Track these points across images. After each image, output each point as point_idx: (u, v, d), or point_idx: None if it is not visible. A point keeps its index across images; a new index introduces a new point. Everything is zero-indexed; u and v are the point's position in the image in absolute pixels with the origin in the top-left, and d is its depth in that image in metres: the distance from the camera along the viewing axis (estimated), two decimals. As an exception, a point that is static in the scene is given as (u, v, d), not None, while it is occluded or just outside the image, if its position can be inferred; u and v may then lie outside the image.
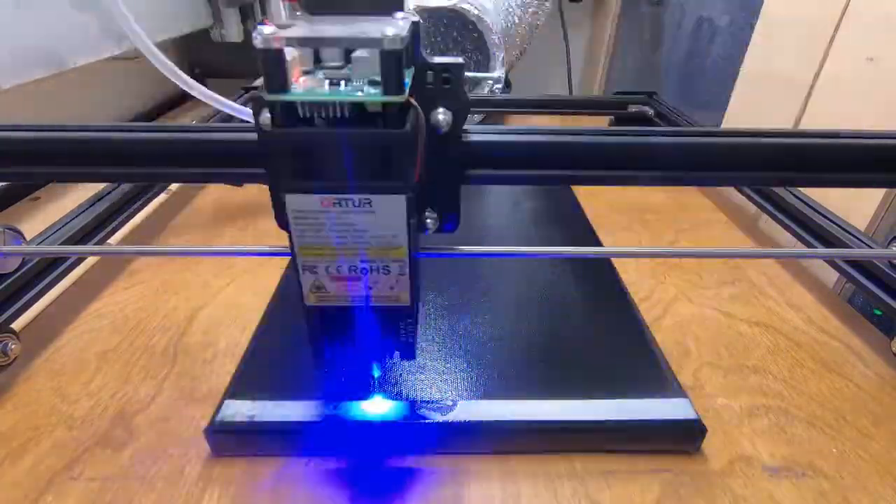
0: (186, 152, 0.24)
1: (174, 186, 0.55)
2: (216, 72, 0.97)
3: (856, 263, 0.37)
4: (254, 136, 0.23)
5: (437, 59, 0.20)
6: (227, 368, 0.32)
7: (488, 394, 0.29)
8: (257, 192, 0.54)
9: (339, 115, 0.17)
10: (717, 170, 0.24)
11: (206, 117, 0.56)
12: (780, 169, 0.24)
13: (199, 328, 0.36)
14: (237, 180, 0.42)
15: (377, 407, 0.28)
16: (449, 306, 0.35)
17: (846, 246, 0.38)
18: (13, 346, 0.31)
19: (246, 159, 0.24)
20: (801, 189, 0.45)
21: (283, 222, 0.22)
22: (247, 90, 0.64)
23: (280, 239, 0.51)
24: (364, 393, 0.28)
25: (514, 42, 0.78)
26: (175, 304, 0.39)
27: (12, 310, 0.31)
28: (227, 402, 0.28)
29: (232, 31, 0.82)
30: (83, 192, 0.42)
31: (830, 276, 0.44)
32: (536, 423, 0.27)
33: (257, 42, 0.16)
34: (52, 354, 0.34)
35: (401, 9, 0.19)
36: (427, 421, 0.27)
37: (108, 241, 0.40)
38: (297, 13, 0.19)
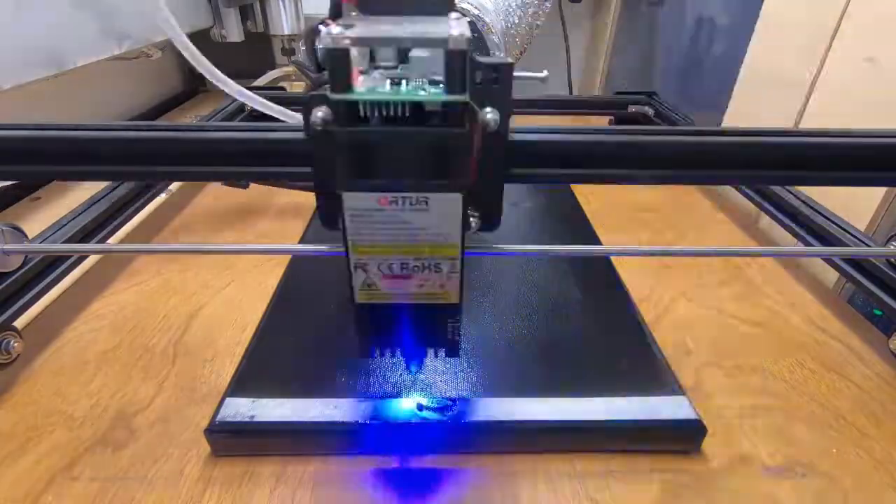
0: (186, 151, 0.24)
1: (174, 186, 0.55)
2: (216, 72, 0.97)
3: (855, 263, 0.37)
4: (253, 135, 0.23)
5: (485, 59, 0.20)
6: (227, 368, 0.32)
7: (488, 394, 0.29)
8: (257, 193, 0.54)
9: (395, 114, 0.18)
10: (717, 169, 0.24)
11: (206, 116, 0.56)
12: (780, 169, 0.24)
13: (199, 328, 0.36)
14: (240, 180, 0.42)
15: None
16: (449, 306, 0.35)
17: (846, 245, 0.38)
18: (15, 344, 0.31)
19: (246, 158, 0.24)
20: (801, 189, 0.45)
21: (331, 221, 0.22)
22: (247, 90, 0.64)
23: (280, 239, 0.51)
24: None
25: (514, 42, 0.77)
26: (175, 304, 0.39)
27: (14, 308, 0.31)
28: (227, 401, 0.28)
29: (232, 31, 0.82)
30: (83, 192, 0.42)
31: (830, 276, 0.44)
32: (536, 423, 0.27)
33: (325, 42, 0.16)
34: (53, 354, 0.34)
35: (453, 10, 0.19)
36: (427, 421, 0.27)
37: (109, 240, 0.40)
38: (353, 13, 0.19)
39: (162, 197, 0.51)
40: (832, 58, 0.47)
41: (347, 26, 0.17)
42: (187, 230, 0.50)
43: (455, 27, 0.17)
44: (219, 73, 0.31)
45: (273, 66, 0.84)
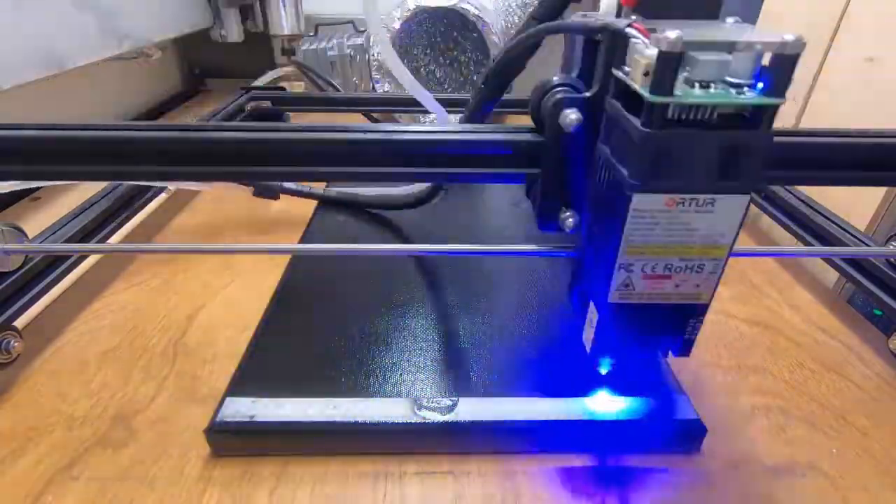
0: (187, 151, 0.24)
1: (174, 186, 0.55)
2: (216, 72, 0.97)
3: (855, 263, 0.37)
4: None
5: None
6: (227, 368, 0.32)
7: (488, 393, 0.29)
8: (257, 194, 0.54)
9: (697, 117, 0.18)
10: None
11: (207, 116, 0.56)
12: (780, 169, 0.24)
13: (199, 328, 0.36)
14: (250, 183, 0.42)
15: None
16: (449, 306, 0.35)
17: (846, 245, 0.38)
18: (16, 344, 0.31)
19: (254, 158, 0.24)
20: (801, 189, 0.45)
21: (549, 225, 0.23)
22: (246, 90, 0.64)
23: (281, 239, 0.51)
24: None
25: (514, 42, 0.77)
26: (175, 304, 0.39)
27: (14, 308, 0.31)
28: (227, 401, 0.28)
29: (232, 31, 0.83)
30: (83, 193, 0.42)
31: (830, 276, 0.44)
32: (536, 422, 0.27)
33: (662, 46, 0.16)
34: (53, 354, 0.34)
35: (719, 11, 0.20)
36: (427, 421, 0.27)
37: (109, 240, 0.40)
38: (633, 17, 0.19)
39: (162, 197, 0.51)
40: (832, 58, 0.47)
41: (674, 30, 0.17)
42: (187, 230, 0.50)
43: (787, 34, 0.17)
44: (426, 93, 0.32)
45: (273, 66, 0.84)
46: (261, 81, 0.77)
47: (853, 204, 0.43)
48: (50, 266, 0.35)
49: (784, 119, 0.52)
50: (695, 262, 0.20)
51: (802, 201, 0.44)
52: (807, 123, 0.50)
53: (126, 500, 0.25)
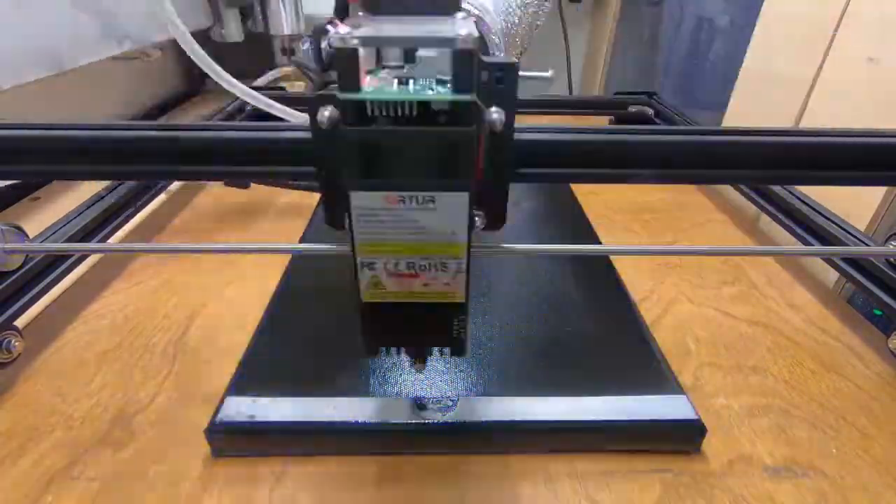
0: (186, 151, 0.24)
1: (174, 186, 0.55)
2: (216, 72, 0.97)
3: (855, 263, 0.37)
4: (255, 134, 0.23)
5: (490, 59, 0.20)
6: (227, 368, 0.32)
7: (488, 393, 0.29)
8: (258, 193, 0.54)
9: (403, 113, 0.17)
10: (717, 169, 0.24)
11: (208, 116, 0.56)
12: (780, 169, 0.24)
13: (199, 328, 0.36)
14: (241, 180, 0.42)
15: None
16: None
17: (846, 245, 0.38)
18: (16, 343, 0.31)
19: (247, 157, 0.24)
20: (801, 189, 0.45)
21: (338, 221, 0.22)
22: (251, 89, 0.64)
23: (280, 238, 0.51)
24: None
25: (514, 42, 0.77)
26: (175, 303, 0.39)
27: (15, 307, 0.31)
28: (227, 401, 0.28)
29: (232, 31, 0.82)
30: (83, 193, 0.42)
31: (830, 276, 0.44)
32: (536, 422, 0.27)
33: (334, 42, 0.16)
34: (53, 354, 0.34)
35: (459, 9, 0.19)
36: (427, 421, 0.27)
37: (109, 240, 0.40)
38: (360, 13, 0.19)
39: (162, 197, 0.51)
40: (832, 58, 0.47)
41: (356, 26, 0.17)
42: (187, 230, 0.50)
43: (462, 27, 0.17)
44: (223, 72, 0.31)
45: (273, 66, 0.84)
46: (261, 81, 0.77)
47: (853, 204, 0.43)
48: (50, 266, 0.35)
49: (784, 119, 0.52)
50: (436, 260, 0.21)
51: (802, 201, 0.44)
52: (807, 123, 0.50)
53: (126, 500, 0.25)
